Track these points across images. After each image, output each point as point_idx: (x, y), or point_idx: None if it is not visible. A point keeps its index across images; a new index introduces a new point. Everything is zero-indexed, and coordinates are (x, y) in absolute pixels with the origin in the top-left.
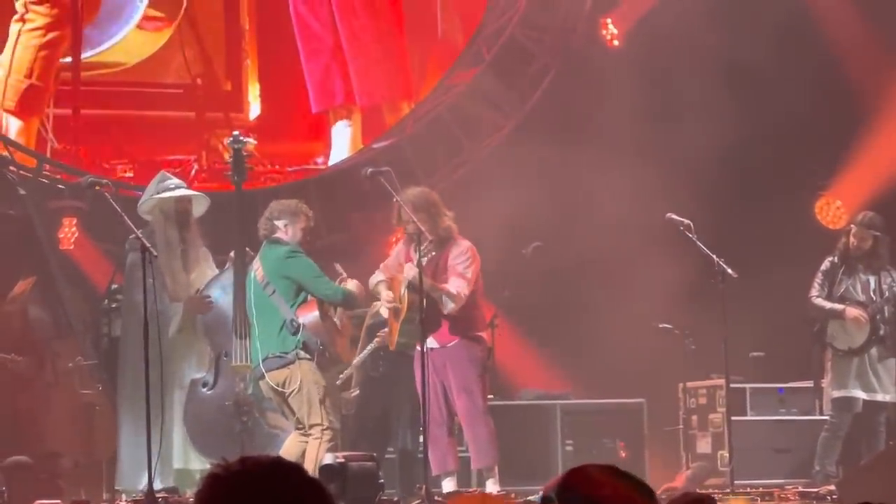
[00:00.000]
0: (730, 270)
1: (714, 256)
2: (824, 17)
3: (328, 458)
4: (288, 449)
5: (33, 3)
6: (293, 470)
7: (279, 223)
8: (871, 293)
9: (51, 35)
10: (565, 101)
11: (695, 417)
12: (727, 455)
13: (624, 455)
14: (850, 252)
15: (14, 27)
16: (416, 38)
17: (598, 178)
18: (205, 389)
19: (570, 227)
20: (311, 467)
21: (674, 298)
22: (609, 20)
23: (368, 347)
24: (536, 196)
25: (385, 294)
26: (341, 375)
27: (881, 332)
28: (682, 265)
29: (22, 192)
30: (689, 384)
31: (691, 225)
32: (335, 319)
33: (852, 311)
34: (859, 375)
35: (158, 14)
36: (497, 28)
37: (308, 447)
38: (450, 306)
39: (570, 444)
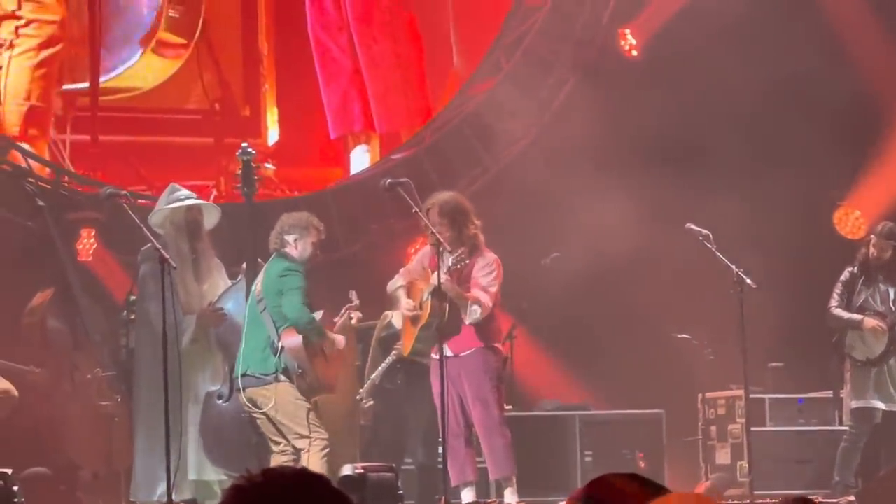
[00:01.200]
0: (749, 280)
1: (733, 267)
2: (844, 27)
3: (347, 469)
4: None
5: (22, 26)
6: (316, 480)
7: (289, 238)
8: (891, 304)
9: (44, 54)
10: (584, 111)
11: (714, 428)
12: (746, 466)
13: (643, 466)
14: (869, 263)
15: (3, 56)
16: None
17: (617, 188)
18: (220, 402)
19: (588, 237)
20: None
21: (692, 308)
22: (628, 31)
23: (385, 362)
24: (555, 206)
25: (405, 302)
26: (361, 391)
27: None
28: (700, 275)
29: (41, 203)
30: (709, 395)
31: (710, 235)
32: (324, 347)
33: (871, 322)
34: (878, 386)
35: (174, 38)
36: (515, 38)
37: (304, 462)
38: (474, 317)
39: (589, 454)
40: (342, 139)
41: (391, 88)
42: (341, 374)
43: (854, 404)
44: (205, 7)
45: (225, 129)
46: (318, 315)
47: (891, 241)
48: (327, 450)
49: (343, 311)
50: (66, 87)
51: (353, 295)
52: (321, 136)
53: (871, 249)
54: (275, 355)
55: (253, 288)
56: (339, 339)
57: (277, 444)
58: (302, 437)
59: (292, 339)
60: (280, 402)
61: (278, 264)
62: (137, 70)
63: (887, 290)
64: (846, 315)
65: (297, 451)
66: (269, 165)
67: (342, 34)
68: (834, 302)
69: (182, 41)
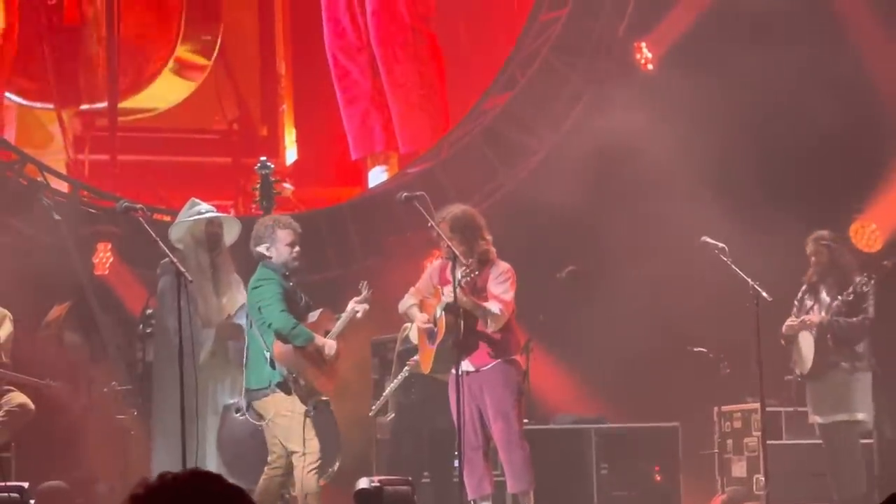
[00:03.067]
0: (764, 294)
1: (749, 280)
2: (858, 39)
3: (363, 483)
4: (262, 488)
5: None
6: (213, 479)
7: (261, 249)
8: (826, 311)
9: None
10: (599, 125)
11: (730, 441)
12: (763, 479)
13: (659, 479)
14: (814, 274)
15: None
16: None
17: (630, 203)
18: (237, 415)
19: (604, 251)
20: (300, 496)
21: (708, 322)
22: (643, 44)
23: (400, 376)
24: (570, 219)
25: (420, 316)
26: (374, 407)
27: (831, 356)
28: (716, 289)
29: (57, 217)
30: (724, 408)
31: (726, 248)
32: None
33: (799, 320)
34: (814, 400)
35: (193, 59)
36: (531, 52)
37: (295, 476)
38: (493, 324)
39: (605, 468)
40: (361, 159)
41: (415, 108)
42: (336, 378)
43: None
44: (223, 28)
45: (243, 149)
46: (316, 314)
47: (822, 243)
48: (317, 464)
49: (350, 304)
50: (85, 107)
51: (364, 285)
52: (339, 156)
53: (811, 260)
54: (269, 366)
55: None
56: (330, 344)
57: (272, 454)
58: (293, 452)
59: (281, 345)
60: (275, 414)
61: (254, 276)
62: (156, 90)
63: (827, 299)
64: (785, 324)
65: (287, 468)
66: (287, 185)
67: (361, 55)
68: (788, 321)
69: (201, 62)
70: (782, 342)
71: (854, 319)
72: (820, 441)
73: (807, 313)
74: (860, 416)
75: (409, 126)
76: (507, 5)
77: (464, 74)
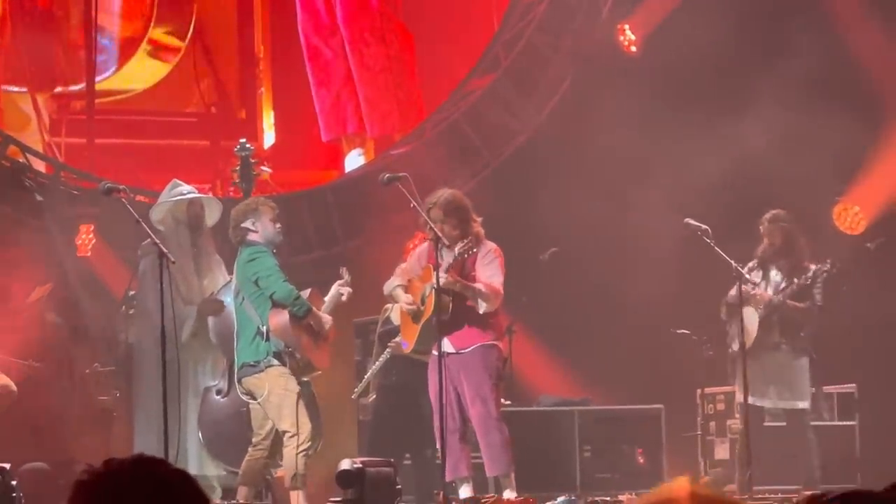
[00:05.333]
0: (747, 276)
1: (732, 262)
2: (843, 22)
3: (345, 464)
4: (245, 468)
5: None
6: (157, 464)
7: (247, 224)
8: (776, 291)
9: None
10: (582, 107)
11: (713, 423)
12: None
13: (642, 461)
14: (766, 254)
15: None
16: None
17: (614, 186)
18: (219, 397)
19: (586, 233)
20: (288, 475)
21: (691, 304)
22: (627, 26)
23: (382, 358)
24: (553, 201)
25: (404, 297)
26: (356, 389)
27: (776, 337)
28: (699, 270)
29: (39, 198)
30: (707, 390)
31: (709, 230)
32: (311, 323)
33: (748, 291)
34: (764, 381)
35: (167, 40)
36: (514, 34)
37: (284, 455)
38: (483, 306)
39: (588, 450)
40: (336, 142)
41: (382, 92)
42: (329, 353)
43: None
44: (199, 9)
45: (221, 131)
46: (307, 293)
47: (778, 224)
48: (308, 444)
49: (333, 288)
50: (60, 89)
51: (344, 271)
52: (317, 140)
53: (764, 239)
54: (264, 340)
55: (232, 284)
56: (327, 318)
57: (257, 434)
58: (285, 432)
59: (277, 319)
60: (268, 392)
61: (244, 252)
62: (132, 71)
63: (777, 278)
64: (729, 295)
65: (272, 448)
66: (265, 168)
67: (334, 38)
68: (734, 290)
69: (176, 43)
70: (722, 312)
71: (803, 304)
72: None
73: (753, 290)
74: (801, 404)
75: (376, 110)
76: None
77: (447, 56)
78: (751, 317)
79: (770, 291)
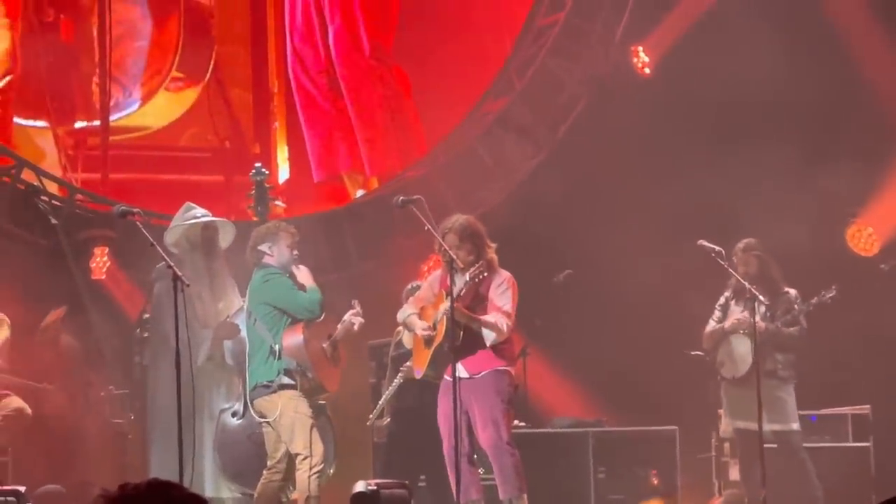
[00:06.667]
0: (761, 297)
1: (746, 283)
2: (856, 43)
3: (360, 486)
4: (260, 492)
5: None
6: (172, 487)
7: (263, 247)
8: (759, 320)
9: None
10: (596, 130)
11: (727, 444)
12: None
13: (656, 482)
14: (740, 282)
15: None
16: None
17: (629, 207)
18: (234, 419)
19: (601, 254)
20: (301, 498)
21: (705, 325)
22: (640, 48)
23: (394, 383)
24: (567, 223)
25: (419, 324)
26: (371, 416)
27: (770, 364)
28: (713, 292)
29: (54, 221)
30: (722, 411)
31: (723, 252)
32: (324, 345)
33: (731, 323)
34: (742, 404)
35: (186, 78)
36: (528, 57)
37: (297, 477)
38: (491, 338)
39: (602, 471)
40: (334, 181)
41: (381, 131)
42: (340, 377)
43: (733, 424)
44: (215, 46)
45: (235, 167)
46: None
47: (752, 253)
48: (321, 467)
49: (346, 316)
50: (78, 125)
51: (356, 303)
52: None
53: (739, 268)
54: (276, 358)
55: (244, 307)
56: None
57: (272, 458)
58: (297, 454)
59: (291, 339)
60: (280, 413)
61: (258, 274)
62: (148, 109)
63: (757, 307)
64: (710, 327)
65: (287, 472)
66: (279, 203)
67: (322, 77)
68: (708, 327)
69: (195, 81)
70: (704, 345)
71: (793, 329)
72: (815, 445)
73: (736, 320)
74: (794, 426)
75: (375, 149)
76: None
77: (458, 80)
78: (742, 345)
79: (759, 320)
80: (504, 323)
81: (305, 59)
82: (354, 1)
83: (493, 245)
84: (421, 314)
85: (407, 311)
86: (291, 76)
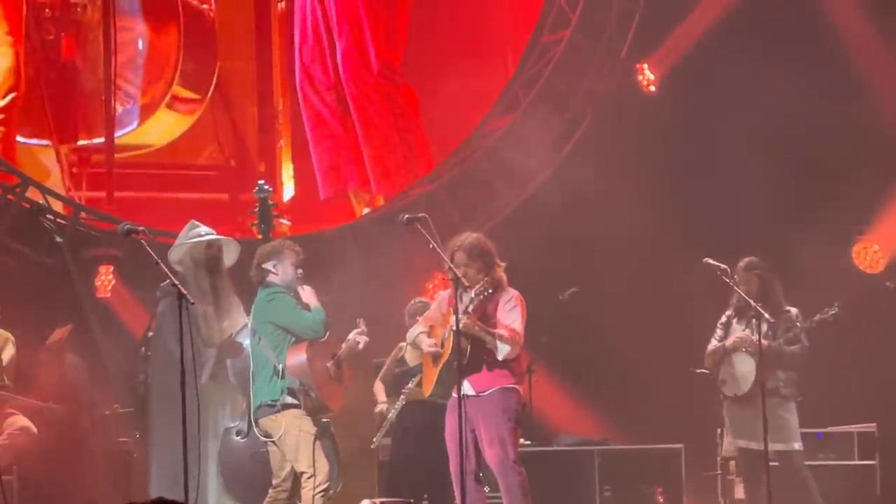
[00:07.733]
0: (766, 315)
1: (751, 301)
2: (862, 59)
3: None
4: None
5: None
6: None
7: (268, 266)
8: (762, 338)
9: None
10: (601, 146)
11: (733, 463)
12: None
13: (662, 501)
14: (741, 301)
15: None
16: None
17: (635, 224)
18: (238, 438)
19: (606, 272)
20: None
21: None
22: (646, 65)
23: (398, 403)
24: (574, 241)
25: (427, 341)
26: (375, 439)
27: (773, 382)
28: (719, 310)
29: (58, 240)
30: (722, 430)
31: (728, 270)
32: (328, 364)
33: (735, 340)
34: (745, 423)
35: (188, 94)
36: (533, 74)
37: (302, 496)
38: (505, 351)
39: (608, 489)
40: (342, 199)
41: (389, 148)
42: (343, 397)
43: (735, 443)
44: (219, 63)
45: (240, 185)
46: (325, 337)
47: (752, 272)
48: (326, 485)
49: (351, 335)
50: (81, 142)
51: (361, 322)
52: None
53: (740, 287)
54: (280, 378)
55: (249, 326)
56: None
57: (277, 476)
58: (302, 473)
59: (295, 358)
60: (284, 432)
61: (262, 292)
62: (152, 126)
63: (759, 326)
64: (712, 346)
65: (292, 490)
66: (284, 221)
67: (330, 95)
68: (710, 346)
69: (196, 96)
70: (706, 364)
71: (794, 347)
72: (822, 462)
73: (738, 337)
74: (797, 445)
75: (381, 166)
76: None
77: (464, 97)
78: (745, 364)
79: (760, 337)
80: (513, 335)
81: (314, 76)
82: (363, 18)
83: (503, 264)
84: (430, 333)
85: (416, 330)
86: (300, 93)
